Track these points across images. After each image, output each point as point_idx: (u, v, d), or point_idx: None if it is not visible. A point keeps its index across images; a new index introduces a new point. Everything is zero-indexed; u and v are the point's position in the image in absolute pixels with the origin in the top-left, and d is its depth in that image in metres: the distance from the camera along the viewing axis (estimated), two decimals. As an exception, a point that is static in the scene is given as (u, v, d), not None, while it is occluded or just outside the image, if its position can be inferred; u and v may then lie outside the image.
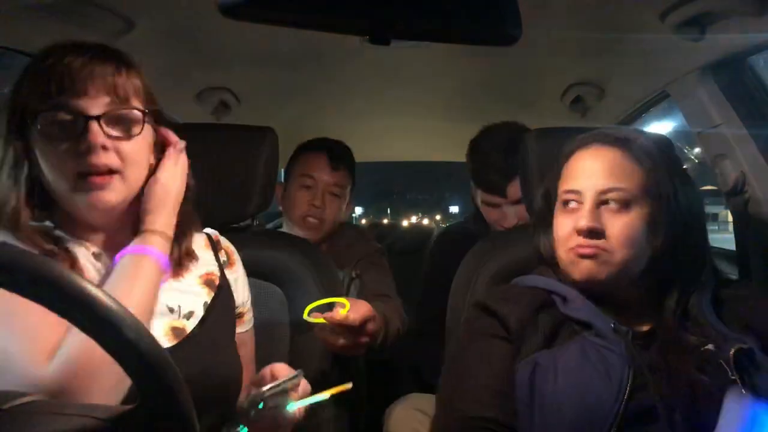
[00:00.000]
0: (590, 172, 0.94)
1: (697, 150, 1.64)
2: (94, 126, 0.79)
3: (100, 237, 0.87)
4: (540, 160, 1.17)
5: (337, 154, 1.61)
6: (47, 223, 0.85)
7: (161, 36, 1.37)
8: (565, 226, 0.94)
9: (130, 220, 0.88)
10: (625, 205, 0.91)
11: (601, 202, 0.92)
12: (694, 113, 1.47)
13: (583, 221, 0.90)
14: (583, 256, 0.91)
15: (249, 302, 1.06)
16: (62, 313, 0.49)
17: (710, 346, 0.86)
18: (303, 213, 1.57)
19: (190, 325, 0.89)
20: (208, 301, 0.93)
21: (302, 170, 1.60)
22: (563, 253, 0.95)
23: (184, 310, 0.90)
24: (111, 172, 0.81)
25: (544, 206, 1.04)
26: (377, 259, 1.68)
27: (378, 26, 0.88)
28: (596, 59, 1.59)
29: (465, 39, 1.05)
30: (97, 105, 0.80)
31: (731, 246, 1.48)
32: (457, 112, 2.15)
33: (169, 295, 0.89)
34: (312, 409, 0.87)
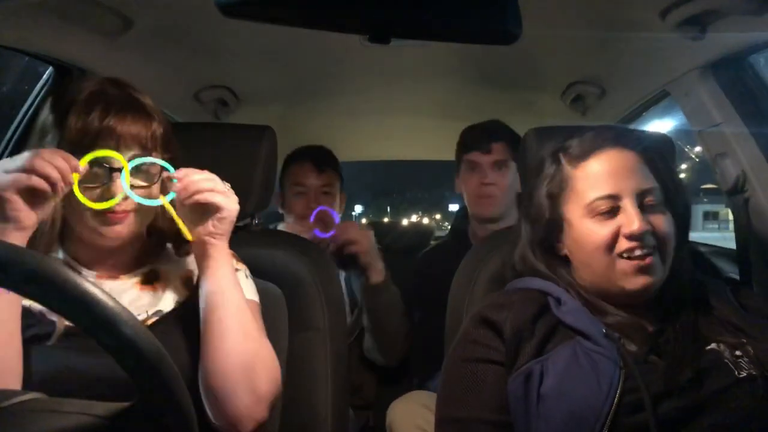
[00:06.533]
0: (622, 174, 0.90)
1: (697, 149, 1.64)
2: (119, 177, 0.86)
3: (102, 266, 0.94)
4: (539, 158, 1.17)
5: (321, 158, 1.74)
6: (59, 253, 0.93)
7: (160, 34, 1.36)
8: (601, 232, 0.89)
9: (131, 253, 0.96)
10: (662, 204, 0.90)
11: (640, 205, 0.89)
12: (694, 112, 1.47)
13: (637, 224, 0.85)
14: (642, 269, 0.86)
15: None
16: (60, 311, 0.48)
17: (717, 345, 0.86)
18: (300, 215, 1.69)
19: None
20: (180, 300, 0.96)
21: (293, 180, 1.73)
22: (607, 261, 0.89)
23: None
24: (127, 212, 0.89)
25: (550, 217, 0.97)
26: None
27: (378, 25, 0.88)
28: (596, 58, 1.59)
29: (465, 38, 1.04)
30: (125, 157, 0.86)
31: (731, 245, 1.48)
32: (457, 110, 2.15)
33: None
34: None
